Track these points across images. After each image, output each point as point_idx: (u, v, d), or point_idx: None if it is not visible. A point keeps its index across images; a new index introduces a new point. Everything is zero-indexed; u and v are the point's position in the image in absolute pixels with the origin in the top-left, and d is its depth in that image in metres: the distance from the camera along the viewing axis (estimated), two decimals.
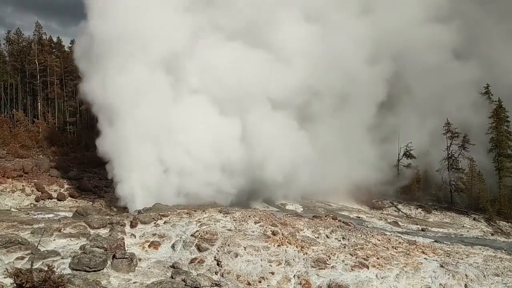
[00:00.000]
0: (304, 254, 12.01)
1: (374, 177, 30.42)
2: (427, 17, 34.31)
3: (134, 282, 10.13)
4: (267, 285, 10.92)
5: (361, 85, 30.24)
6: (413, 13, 33.52)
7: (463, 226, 26.01)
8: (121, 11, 21.76)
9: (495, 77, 35.67)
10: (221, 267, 11.37)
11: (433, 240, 17.23)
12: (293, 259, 11.78)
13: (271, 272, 11.26)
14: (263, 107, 25.69)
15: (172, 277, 10.48)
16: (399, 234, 17.47)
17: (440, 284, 11.29)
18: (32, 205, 23.05)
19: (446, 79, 34.85)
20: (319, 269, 11.42)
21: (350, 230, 15.00)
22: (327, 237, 13.92)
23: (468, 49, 36.66)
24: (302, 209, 25.44)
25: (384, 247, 13.42)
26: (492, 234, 24.29)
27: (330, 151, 28.49)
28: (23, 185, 24.23)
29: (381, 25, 30.90)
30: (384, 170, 31.90)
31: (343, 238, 13.87)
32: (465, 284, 11.34)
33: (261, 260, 11.65)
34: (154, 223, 14.10)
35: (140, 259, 11.47)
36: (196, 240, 12.53)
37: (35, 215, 19.03)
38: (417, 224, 24.78)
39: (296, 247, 12.36)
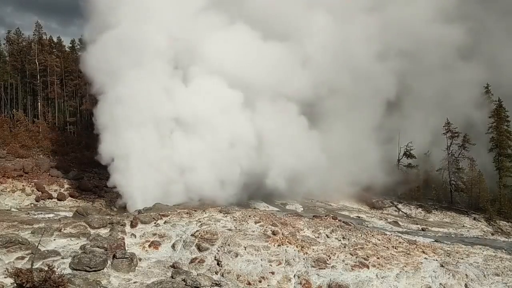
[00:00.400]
0: (304, 254, 12.01)
1: (378, 177, 30.40)
2: (434, 16, 34.29)
3: (135, 282, 10.13)
4: (267, 285, 10.92)
5: (371, 82, 30.27)
6: (421, 12, 33.54)
7: (463, 226, 26.00)
8: (147, 14, 22.08)
9: (500, 76, 35.63)
10: (221, 267, 11.38)
11: (433, 240, 17.25)
12: (293, 259, 11.78)
13: (271, 272, 11.26)
14: (271, 105, 25.54)
15: (172, 277, 10.49)
16: (399, 234, 17.48)
17: (440, 283, 11.29)
18: (32, 205, 23.06)
19: (451, 78, 34.88)
20: (319, 269, 11.42)
21: (350, 229, 15.01)
22: (327, 237, 13.92)
23: (474, 48, 36.60)
24: (302, 208, 25.44)
25: (384, 246, 13.43)
26: (492, 234, 24.27)
27: (337, 152, 28.46)
28: (23, 185, 24.23)
29: (390, 22, 30.99)
30: (386, 170, 31.89)
31: (343, 237, 13.88)
32: (465, 284, 11.34)
33: (261, 260, 11.65)
34: (154, 223, 14.11)
35: (140, 259, 11.47)
36: (196, 240, 12.54)
37: (35, 215, 19.05)
38: (417, 224, 24.78)
39: (296, 247, 12.37)
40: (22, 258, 10.64)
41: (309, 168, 26.26)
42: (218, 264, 11.52)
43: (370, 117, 31.22)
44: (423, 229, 23.02)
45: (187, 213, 15.30)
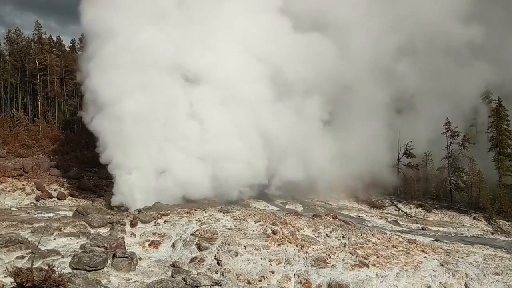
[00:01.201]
0: (304, 253, 12.01)
1: (379, 176, 30.33)
2: (443, 13, 34.17)
3: (135, 281, 10.14)
4: (267, 284, 10.92)
5: (388, 80, 30.22)
6: (429, 9, 33.54)
7: (463, 225, 25.98)
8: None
9: (505, 76, 35.58)
10: (221, 266, 11.38)
11: (433, 239, 17.25)
12: (293, 258, 11.78)
13: (271, 271, 11.27)
14: (289, 102, 25.39)
15: (172, 276, 10.50)
16: (399, 233, 17.47)
17: (440, 283, 11.29)
18: (32, 204, 23.03)
19: (456, 77, 34.78)
20: (319, 268, 11.43)
21: (350, 229, 15.01)
22: (327, 236, 13.92)
23: (480, 47, 36.45)
24: (302, 208, 25.40)
25: (384, 246, 13.43)
26: (492, 233, 24.25)
27: (345, 153, 28.36)
28: (23, 184, 24.21)
29: (402, 19, 31.13)
30: (387, 169, 31.83)
31: (343, 237, 13.88)
32: (465, 283, 11.35)
33: (261, 259, 11.65)
34: (155, 222, 14.12)
35: (140, 258, 11.48)
36: (196, 239, 12.55)
37: (35, 214, 19.04)
38: (417, 223, 24.76)
39: (296, 246, 12.37)
40: (22, 257, 10.64)
41: (315, 176, 26.33)
42: (218, 263, 11.52)
43: (382, 116, 31.13)
44: (423, 228, 23.00)
45: (187, 212, 15.30)
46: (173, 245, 12.64)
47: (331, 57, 26.31)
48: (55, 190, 24.95)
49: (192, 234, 12.89)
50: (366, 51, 28.99)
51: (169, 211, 15.50)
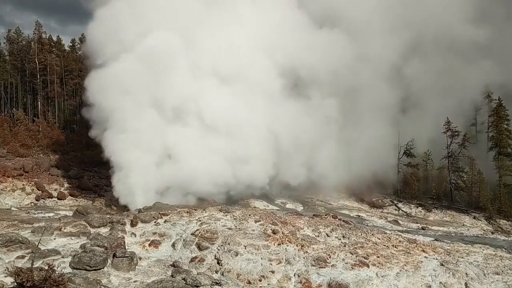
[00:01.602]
0: (304, 253, 12.02)
1: (381, 176, 30.29)
2: (453, 15, 34.12)
3: (135, 281, 10.14)
4: (268, 284, 10.92)
5: (397, 78, 30.28)
6: (440, 11, 33.52)
7: (463, 225, 25.98)
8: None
9: (506, 75, 35.52)
10: (221, 265, 11.39)
11: (433, 239, 17.24)
12: (294, 258, 11.79)
13: (271, 271, 11.27)
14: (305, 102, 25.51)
15: (172, 275, 10.50)
16: (399, 233, 17.47)
17: (441, 282, 11.30)
18: (32, 204, 23.04)
19: (462, 77, 34.75)
20: (320, 267, 11.43)
21: (350, 228, 15.02)
22: (327, 235, 13.93)
23: (488, 47, 36.36)
24: (302, 207, 25.40)
25: (384, 245, 13.43)
26: (492, 233, 24.25)
27: (352, 153, 28.33)
28: (23, 184, 24.22)
29: (411, 20, 31.19)
30: (387, 169, 31.81)
31: (343, 236, 13.88)
32: (466, 283, 11.35)
33: (261, 258, 11.66)
34: (155, 222, 14.13)
35: (140, 258, 11.48)
36: (197, 239, 12.55)
37: (35, 214, 19.04)
38: (417, 223, 24.75)
39: (297, 245, 12.37)
40: (23, 257, 10.65)
41: (318, 176, 26.33)
42: (218, 263, 11.53)
43: (388, 116, 31.09)
44: (423, 228, 23.00)
45: (187, 212, 15.31)
46: (173, 245, 12.64)
47: (342, 55, 26.32)
48: (55, 190, 24.96)
49: (192, 234, 12.90)
50: (374, 50, 28.96)
51: (169, 211, 15.50)
